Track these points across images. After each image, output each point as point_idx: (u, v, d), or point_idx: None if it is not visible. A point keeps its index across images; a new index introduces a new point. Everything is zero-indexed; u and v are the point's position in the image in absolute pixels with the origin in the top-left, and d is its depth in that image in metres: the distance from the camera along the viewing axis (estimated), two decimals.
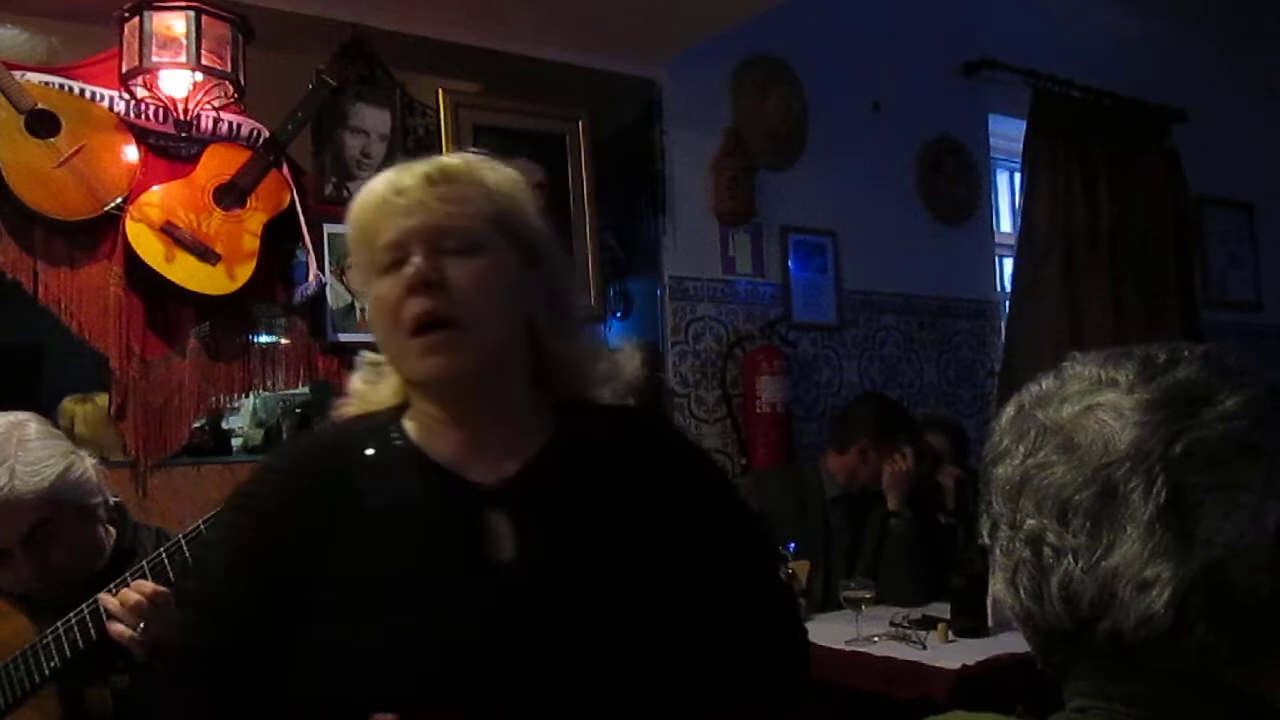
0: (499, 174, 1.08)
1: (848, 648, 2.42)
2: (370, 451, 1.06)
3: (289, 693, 0.99)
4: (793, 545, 2.63)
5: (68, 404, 2.58)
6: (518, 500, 1.02)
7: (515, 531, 1.01)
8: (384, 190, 1.04)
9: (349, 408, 1.13)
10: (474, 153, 1.09)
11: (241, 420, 2.89)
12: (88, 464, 1.52)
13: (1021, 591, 0.72)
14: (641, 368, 1.20)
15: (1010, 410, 0.75)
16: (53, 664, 1.41)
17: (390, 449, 1.06)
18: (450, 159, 1.07)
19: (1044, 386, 0.74)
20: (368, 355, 1.12)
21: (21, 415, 1.51)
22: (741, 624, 1.08)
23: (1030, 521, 0.71)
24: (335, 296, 2.72)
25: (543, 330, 1.07)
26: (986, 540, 0.76)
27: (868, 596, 2.52)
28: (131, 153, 2.49)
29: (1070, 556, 0.69)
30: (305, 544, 1.02)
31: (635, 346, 1.22)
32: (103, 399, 2.56)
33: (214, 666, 1.04)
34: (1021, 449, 0.73)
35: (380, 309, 1.02)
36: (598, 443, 1.08)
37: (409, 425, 1.07)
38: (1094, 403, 0.71)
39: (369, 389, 1.12)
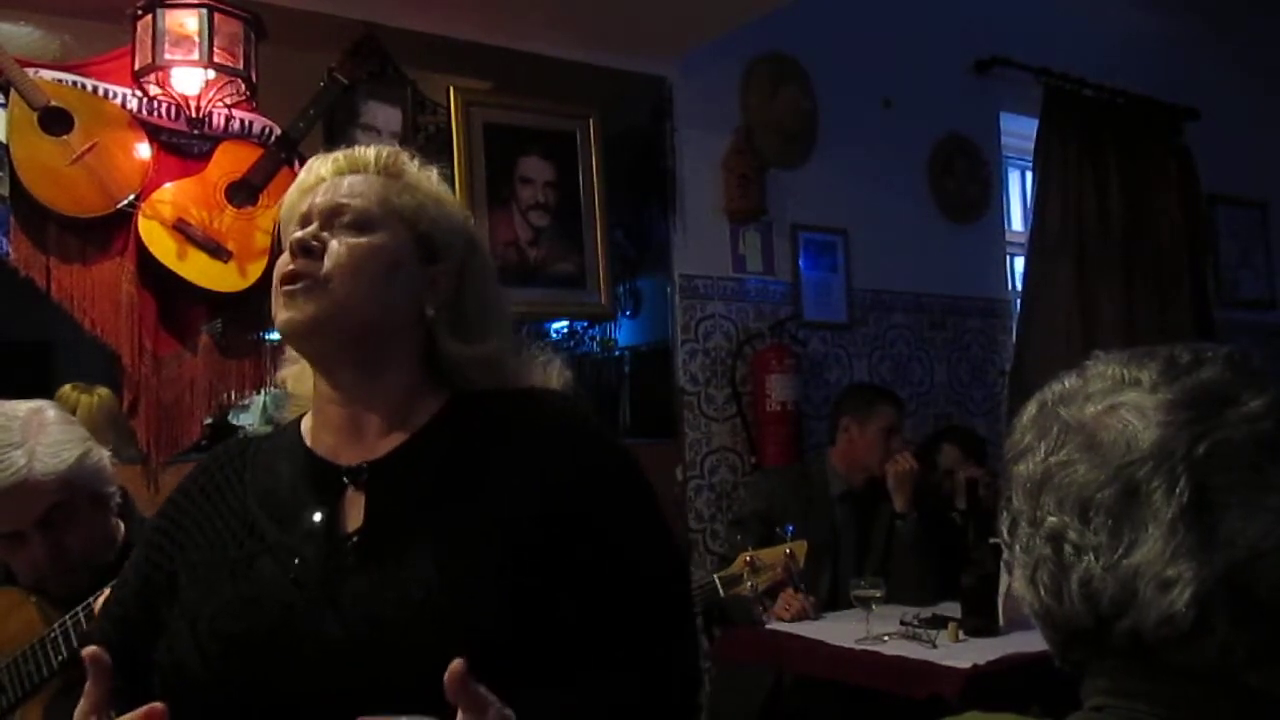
0: (419, 172, 1.12)
1: (858, 646, 2.42)
2: (266, 445, 1.12)
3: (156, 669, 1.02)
4: (790, 528, 2.63)
5: (68, 391, 2.54)
6: (376, 481, 1.03)
7: (367, 511, 1.01)
8: (302, 175, 1.11)
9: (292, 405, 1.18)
10: (407, 151, 1.14)
11: (252, 417, 2.89)
12: (103, 453, 1.54)
13: (1041, 589, 0.72)
14: (563, 380, 1.17)
15: (1032, 408, 0.75)
16: (60, 658, 1.42)
17: (281, 441, 1.11)
18: (367, 150, 1.11)
19: (1066, 385, 0.74)
20: (290, 350, 1.14)
21: (41, 402, 1.53)
22: (600, 644, 0.98)
23: (1051, 519, 0.71)
24: None
25: (440, 327, 1.08)
26: (1006, 537, 0.75)
27: (878, 595, 2.51)
28: (144, 150, 2.50)
29: (1091, 554, 0.68)
30: (182, 534, 1.08)
31: (561, 362, 1.19)
32: (104, 391, 2.55)
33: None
34: (1043, 447, 0.72)
35: (274, 275, 1.06)
36: (481, 430, 1.05)
37: (307, 416, 1.12)
38: (1117, 402, 0.70)
39: (295, 382, 1.16)
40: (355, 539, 1.00)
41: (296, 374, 1.15)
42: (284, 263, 1.05)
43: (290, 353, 1.14)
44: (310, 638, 0.95)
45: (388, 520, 1.00)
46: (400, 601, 0.95)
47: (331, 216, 1.06)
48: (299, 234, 1.04)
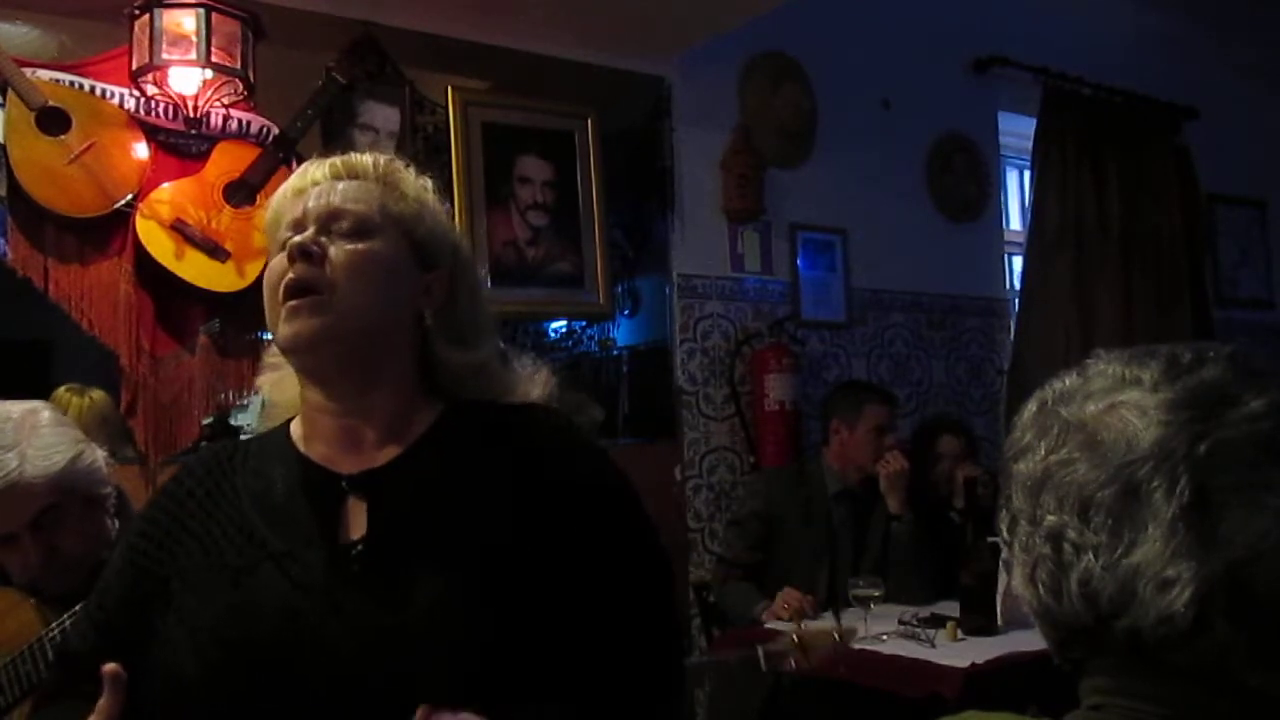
0: (412, 179, 1.12)
1: (856, 646, 2.41)
2: (254, 451, 1.10)
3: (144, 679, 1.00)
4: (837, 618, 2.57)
5: (62, 393, 2.54)
6: (376, 489, 1.02)
7: (370, 520, 1.00)
8: (295, 179, 1.10)
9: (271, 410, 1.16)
10: (398, 157, 1.14)
11: (251, 417, 2.89)
12: (98, 454, 1.52)
13: (1040, 587, 0.72)
14: (548, 388, 1.17)
15: (1033, 406, 0.75)
16: None
17: (272, 447, 1.09)
18: (364, 156, 1.11)
19: (1067, 383, 0.74)
20: (268, 356, 1.13)
21: (35, 403, 1.51)
22: (591, 649, 0.99)
23: (1051, 518, 0.71)
24: None
25: (434, 335, 1.08)
26: (1005, 536, 0.75)
27: (877, 595, 2.52)
28: (141, 150, 2.50)
29: (1091, 553, 0.68)
30: (173, 541, 1.05)
31: (547, 371, 1.19)
32: (98, 394, 2.55)
33: (83, 665, 1.04)
34: (1043, 445, 0.72)
35: (267, 280, 1.05)
36: (477, 441, 1.06)
37: (295, 423, 1.10)
38: (1118, 401, 0.70)
39: (274, 389, 1.15)
40: (359, 548, 0.99)
41: (276, 380, 1.14)
42: (280, 268, 1.03)
43: (269, 358, 1.13)
44: (313, 646, 0.95)
45: (391, 529, 1.00)
46: (405, 610, 0.95)
47: (329, 221, 1.05)
48: (298, 238, 1.03)
